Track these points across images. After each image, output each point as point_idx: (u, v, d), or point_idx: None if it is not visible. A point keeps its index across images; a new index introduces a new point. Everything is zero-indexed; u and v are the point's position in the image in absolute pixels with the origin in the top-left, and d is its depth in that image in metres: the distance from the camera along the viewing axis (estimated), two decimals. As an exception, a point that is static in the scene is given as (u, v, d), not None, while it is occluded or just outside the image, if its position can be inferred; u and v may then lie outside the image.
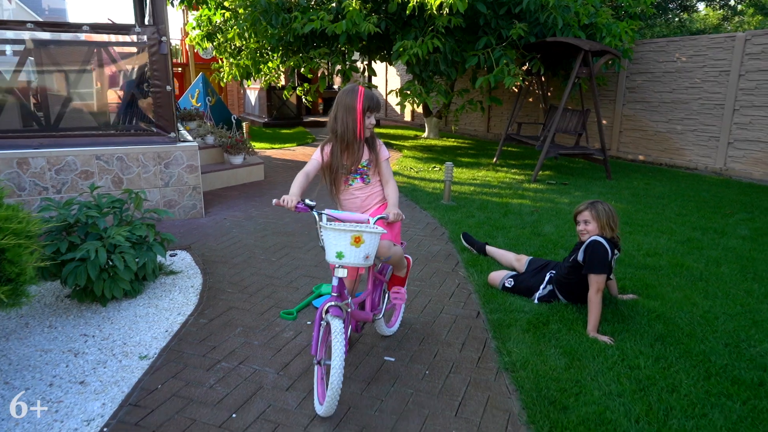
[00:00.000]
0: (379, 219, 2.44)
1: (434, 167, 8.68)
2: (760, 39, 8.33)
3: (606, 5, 8.77)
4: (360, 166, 2.66)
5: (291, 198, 2.37)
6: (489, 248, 4.33)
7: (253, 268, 4.09)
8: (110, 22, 10.03)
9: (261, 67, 9.86)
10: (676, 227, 5.30)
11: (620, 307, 3.36)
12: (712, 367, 2.67)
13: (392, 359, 2.80)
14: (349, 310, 2.35)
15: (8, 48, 4.81)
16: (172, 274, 3.96)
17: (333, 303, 2.26)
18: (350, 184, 2.71)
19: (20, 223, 2.25)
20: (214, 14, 10.43)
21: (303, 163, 9.19)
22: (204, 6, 10.33)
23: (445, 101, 9.18)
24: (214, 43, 10.53)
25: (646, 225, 5.37)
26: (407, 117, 17.68)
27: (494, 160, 9.48)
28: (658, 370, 2.64)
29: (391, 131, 14.64)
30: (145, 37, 4.98)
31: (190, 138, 5.80)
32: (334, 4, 8.11)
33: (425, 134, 13.07)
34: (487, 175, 8.07)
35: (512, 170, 8.61)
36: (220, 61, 12.59)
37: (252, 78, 10.91)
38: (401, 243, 2.83)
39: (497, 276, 3.72)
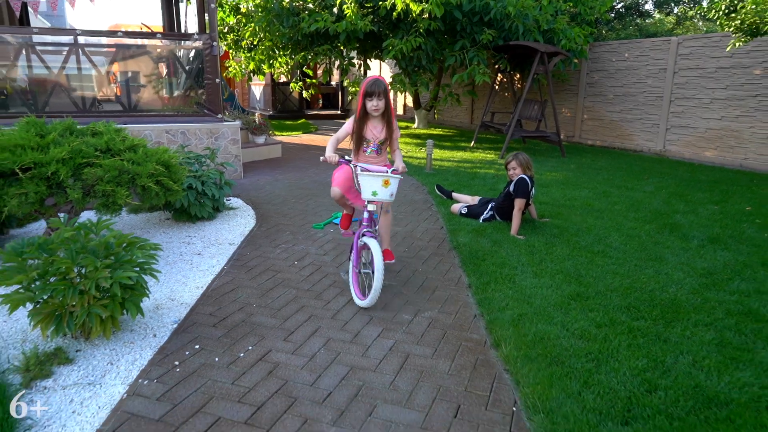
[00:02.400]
0: (393, 170, 3.31)
1: (421, 149, 10.42)
2: (689, 42, 10.11)
3: (563, 13, 10.47)
4: (378, 142, 3.55)
5: (332, 156, 3.30)
6: (455, 194, 6.06)
7: (287, 206, 5.81)
8: (147, 28, 11.75)
9: (273, 62, 11.56)
10: (599, 186, 7.06)
11: (536, 225, 5.10)
12: (577, 245, 4.42)
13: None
14: (379, 233, 3.40)
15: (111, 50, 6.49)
16: (231, 209, 5.66)
17: (367, 229, 3.29)
18: (366, 152, 3.59)
19: (171, 156, 3.95)
20: (228, 16, 12.13)
21: (311, 146, 10.95)
22: (219, 8, 12.01)
23: (427, 92, 10.92)
24: (227, 41, 12.21)
25: (577, 185, 7.13)
26: (399, 110, 19.38)
27: (471, 143, 11.24)
28: (544, 246, 4.40)
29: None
30: (200, 43, 6.67)
31: (230, 119, 7.50)
32: (336, 9, 9.81)
33: (415, 124, 14.79)
34: (464, 155, 9.81)
35: (486, 151, 10.36)
36: (230, 58, 14.28)
37: (262, 72, 12.64)
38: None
39: (456, 207, 5.48)
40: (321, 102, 20.60)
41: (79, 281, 2.58)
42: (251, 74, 13.28)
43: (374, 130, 3.54)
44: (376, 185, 3.20)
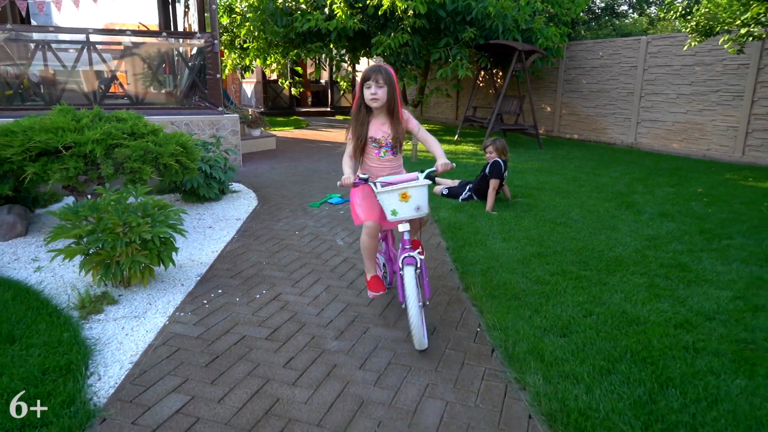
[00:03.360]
0: (429, 173, 2.70)
1: (407, 141, 11.04)
2: (657, 42, 10.82)
3: (541, 14, 11.14)
4: (390, 141, 2.87)
5: (348, 177, 2.66)
6: (437, 179, 6.68)
7: (285, 189, 6.39)
8: (145, 27, 12.23)
9: (268, 59, 12.12)
10: (569, 173, 7.72)
11: (509, 203, 5.73)
12: (543, 218, 5.05)
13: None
14: (421, 257, 2.67)
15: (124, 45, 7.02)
16: (235, 192, 6.23)
17: (407, 254, 2.61)
18: (381, 156, 2.90)
19: (187, 139, 4.52)
20: (221, 16, 12.66)
21: (303, 140, 11.52)
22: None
23: (415, 85, 11.55)
24: (221, 41, 12.75)
25: (550, 172, 7.78)
26: (387, 107, 19.98)
27: (455, 137, 11.89)
28: (514, 219, 5.03)
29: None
30: (203, 41, 7.22)
31: (230, 112, 8.05)
32: (327, 9, 10.40)
33: (402, 120, 15.42)
34: (448, 147, 10.44)
35: (469, 144, 11.00)
36: (225, 57, 14.80)
37: (250, 69, 13.21)
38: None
39: (438, 188, 6.10)
40: (311, 99, 21.16)
41: (124, 234, 3.15)
42: (243, 70, 13.82)
43: (382, 127, 2.86)
44: (393, 201, 2.57)
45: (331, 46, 11.32)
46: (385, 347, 2.72)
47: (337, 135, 12.49)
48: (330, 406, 2.22)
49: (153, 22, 19.60)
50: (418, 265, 2.65)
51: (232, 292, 3.38)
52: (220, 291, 3.38)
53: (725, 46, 7.66)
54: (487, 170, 5.60)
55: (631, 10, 16.17)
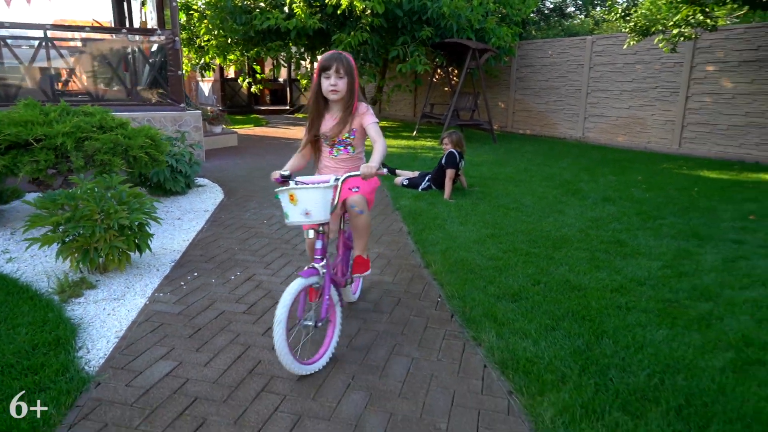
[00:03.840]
0: (349, 177, 2.40)
1: (366, 137, 11.31)
2: (601, 41, 11.46)
3: (493, 14, 11.62)
4: (343, 137, 2.62)
5: (274, 173, 2.42)
6: (398, 170, 6.97)
7: (250, 183, 6.54)
8: (98, 24, 12.05)
9: (228, 57, 12.14)
10: (522, 164, 8.17)
11: (466, 192, 6.08)
12: (497, 204, 5.42)
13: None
14: (325, 270, 2.37)
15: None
16: (200, 186, 6.34)
17: (309, 266, 2.36)
18: (335, 155, 2.69)
19: (156, 132, 4.64)
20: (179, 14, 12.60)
21: (264, 137, 11.62)
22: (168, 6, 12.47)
23: (374, 82, 11.84)
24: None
25: (504, 164, 8.20)
26: (346, 105, 20.18)
27: (414, 133, 12.24)
28: (470, 206, 5.37)
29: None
30: (164, 38, 7.27)
31: (192, 108, 8.11)
32: (286, 9, 10.54)
33: (362, 117, 15.67)
34: (407, 143, 10.77)
35: (427, 139, 11.36)
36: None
37: (211, 68, 13.18)
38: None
39: (398, 180, 6.40)
40: (269, 98, 21.13)
41: (102, 221, 3.28)
42: (202, 70, 13.77)
43: (335, 122, 2.61)
44: (286, 204, 2.32)
45: (291, 44, 11.46)
46: (354, 317, 2.98)
47: (298, 132, 12.62)
48: (308, 365, 2.46)
49: (107, 18, 19.15)
50: (318, 283, 2.36)
51: (208, 274, 3.56)
52: (195, 274, 3.56)
53: (660, 46, 8.27)
54: (443, 161, 5.93)
55: (577, 11, 17.02)
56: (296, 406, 2.16)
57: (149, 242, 3.57)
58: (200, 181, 6.61)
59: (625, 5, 8.51)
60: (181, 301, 3.13)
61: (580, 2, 16.41)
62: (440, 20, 10.38)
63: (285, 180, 2.42)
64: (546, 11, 15.99)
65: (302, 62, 11.82)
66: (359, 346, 2.65)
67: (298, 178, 2.50)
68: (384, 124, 14.83)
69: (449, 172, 5.78)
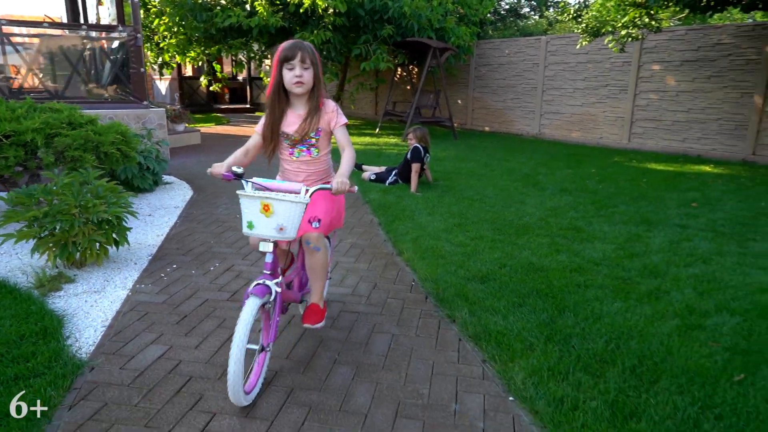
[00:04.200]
0: (319, 189, 2.13)
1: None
2: (555, 41, 11.94)
3: (452, 14, 11.93)
4: (307, 137, 2.33)
5: (218, 165, 2.14)
6: (364, 166, 7.14)
7: (218, 180, 6.56)
8: (50, 20, 11.71)
9: (188, 55, 12.00)
10: (483, 159, 8.47)
11: (431, 186, 6.31)
12: (462, 196, 5.66)
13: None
14: (278, 290, 2.14)
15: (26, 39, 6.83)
16: (167, 184, 6.33)
17: (259, 282, 2.09)
18: (295, 156, 2.38)
19: (126, 128, 4.65)
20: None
21: (227, 136, 11.56)
22: (127, 3, 12.22)
23: (336, 80, 11.97)
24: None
25: (466, 159, 8.49)
26: (307, 104, 20.17)
27: (377, 130, 12.43)
28: (436, 198, 5.60)
29: (295, 114, 17.18)
30: (125, 34, 7.19)
31: (155, 106, 8.04)
32: (248, 6, 10.54)
33: (324, 116, 15.75)
34: (371, 140, 10.95)
35: (390, 136, 11.57)
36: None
37: (171, 66, 12.99)
38: (334, 234, 2.55)
39: (366, 174, 6.57)
40: (228, 96, 20.89)
41: (80, 215, 3.32)
42: (161, 67, 13.55)
43: (296, 120, 2.33)
44: (252, 211, 2.03)
45: (253, 42, 11.45)
46: (337, 300, 3.13)
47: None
48: (295, 344, 2.61)
49: (58, 15, 18.49)
50: (271, 299, 2.12)
51: (187, 266, 3.63)
52: (174, 266, 3.63)
53: (609, 46, 8.73)
54: (408, 155, 6.13)
55: (532, 12, 17.62)
56: (288, 380, 2.30)
57: (127, 236, 3.61)
58: (167, 178, 6.59)
59: (576, 7, 8.93)
60: (164, 291, 3.21)
61: (535, 3, 17.01)
62: (401, 19, 10.59)
63: (236, 178, 2.10)
64: (502, 12, 16.53)
65: (265, 60, 11.80)
66: (342, 327, 2.81)
67: (257, 180, 2.15)
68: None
69: (415, 166, 5.99)
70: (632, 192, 6.15)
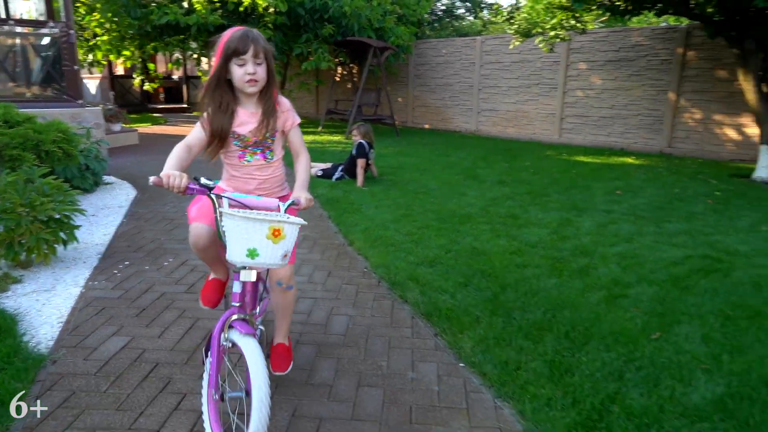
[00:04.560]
0: (290, 206, 1.88)
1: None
2: (489, 41, 12.45)
3: (391, 14, 12.18)
4: (262, 139, 2.03)
5: (176, 176, 1.70)
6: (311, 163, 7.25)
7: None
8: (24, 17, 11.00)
9: (122, 53, 11.60)
10: (424, 155, 8.77)
11: (377, 180, 6.50)
12: (406, 190, 5.90)
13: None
14: (259, 326, 1.92)
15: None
16: (108, 184, 6.19)
17: (238, 315, 1.78)
18: (247, 161, 2.07)
19: (67, 126, 4.55)
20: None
21: (166, 135, 11.29)
22: (54, -1, 11.67)
23: (279, 79, 11.95)
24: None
25: (408, 155, 8.76)
26: (247, 103, 19.89)
27: (319, 128, 12.52)
28: (382, 192, 5.80)
29: (234, 114, 16.94)
30: (57, 30, 6.93)
31: (90, 105, 7.78)
32: (185, 3, 10.34)
33: (265, 115, 15.63)
34: (314, 138, 11.03)
35: (333, 134, 11.69)
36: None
37: (102, 65, 12.52)
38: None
39: (312, 171, 6.68)
40: (163, 96, 20.26)
41: (26, 214, 3.27)
42: (90, 66, 13.02)
43: (250, 119, 2.02)
44: (257, 237, 1.64)
45: (191, 40, 11.24)
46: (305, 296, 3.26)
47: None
48: (256, 329, 2.72)
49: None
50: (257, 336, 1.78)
51: (140, 262, 3.64)
52: (127, 263, 3.63)
53: (540, 46, 9.25)
54: (354, 152, 6.31)
55: (467, 13, 18.26)
56: (253, 361, 2.42)
57: (75, 234, 3.58)
58: (107, 179, 6.43)
59: (509, 9, 9.40)
60: (119, 286, 3.22)
61: (469, 5, 17.64)
62: (342, 19, 10.73)
63: (204, 191, 1.74)
64: (439, 12, 17.03)
65: (204, 58, 11.60)
66: (302, 311, 2.94)
67: (234, 196, 1.86)
68: (288, 120, 14.93)
69: (360, 162, 6.17)
70: (563, 182, 6.60)
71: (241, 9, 9.85)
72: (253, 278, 1.81)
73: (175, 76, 20.14)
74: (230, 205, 1.82)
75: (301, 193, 1.95)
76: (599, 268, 3.58)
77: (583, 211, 5.16)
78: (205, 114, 2.00)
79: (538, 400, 2.11)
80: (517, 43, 9.27)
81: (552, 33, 8.65)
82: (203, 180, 1.76)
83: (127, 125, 10.28)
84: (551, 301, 3.01)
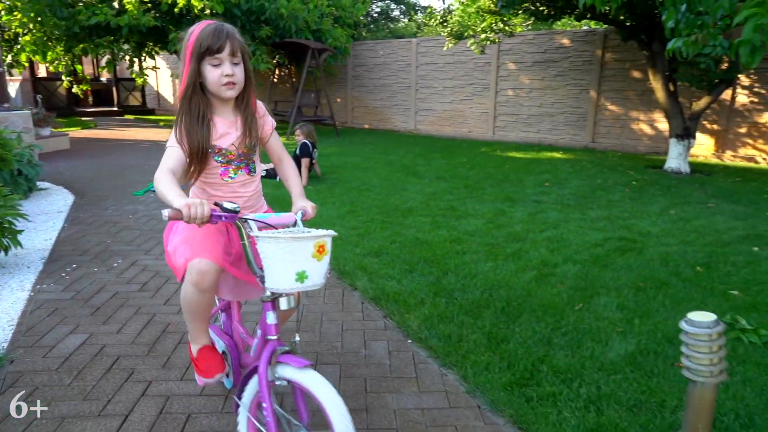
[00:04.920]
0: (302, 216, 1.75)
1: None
2: (424, 43, 12.84)
3: (328, 16, 12.33)
4: (244, 151, 1.81)
5: (197, 204, 1.41)
6: (254, 164, 7.31)
7: (98, 183, 6.36)
8: None
9: (48, 55, 11.09)
10: (365, 154, 9.00)
11: (321, 179, 6.66)
12: (350, 187, 6.10)
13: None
14: (298, 351, 1.62)
15: None
16: (42, 190, 6.00)
17: (281, 348, 1.57)
18: (230, 177, 1.82)
19: (1, 130, 4.43)
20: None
21: (98, 139, 10.93)
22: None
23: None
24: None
25: (350, 154, 8.96)
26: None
27: (260, 130, 12.50)
28: (327, 189, 5.97)
29: (168, 118, 16.51)
30: (-22, 31, 6.63)
31: (18, 109, 7.47)
32: (116, 4, 10.05)
33: (201, 117, 15.35)
34: (254, 139, 11.03)
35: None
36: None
37: (22, 66, 11.93)
38: None
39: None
40: (92, 99, 19.41)
41: (-33, 219, 3.21)
42: (10, 67, 12.35)
43: (230, 129, 1.79)
44: (303, 257, 1.48)
45: (123, 42, 10.92)
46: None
47: (136, 133, 12.06)
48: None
49: None
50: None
51: (88, 264, 3.64)
52: (74, 266, 3.62)
53: (472, 48, 9.70)
54: (297, 151, 6.44)
55: (402, 16, 18.66)
56: (213, 349, 2.54)
57: (18, 238, 3.53)
58: (42, 184, 6.23)
59: (442, 12, 9.80)
60: (69, 288, 3.23)
61: (404, 7, 18.06)
62: (279, 21, 10.78)
63: (230, 217, 1.52)
64: (374, 15, 17.32)
65: (136, 59, 11.28)
66: (256, 302, 3.08)
67: (257, 216, 1.64)
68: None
69: (304, 161, 6.31)
70: (497, 176, 7.01)
71: (176, 10, 9.71)
72: (294, 305, 1.59)
73: (103, 78, 19.36)
74: (260, 227, 1.59)
75: (305, 202, 1.82)
76: (530, 251, 3.92)
77: (516, 202, 5.55)
78: (178, 130, 1.70)
79: (478, 366, 2.37)
80: (451, 45, 9.68)
81: (483, 36, 9.10)
82: (226, 204, 1.52)
83: (57, 129, 9.88)
84: (488, 282, 3.30)
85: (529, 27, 11.10)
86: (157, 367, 2.37)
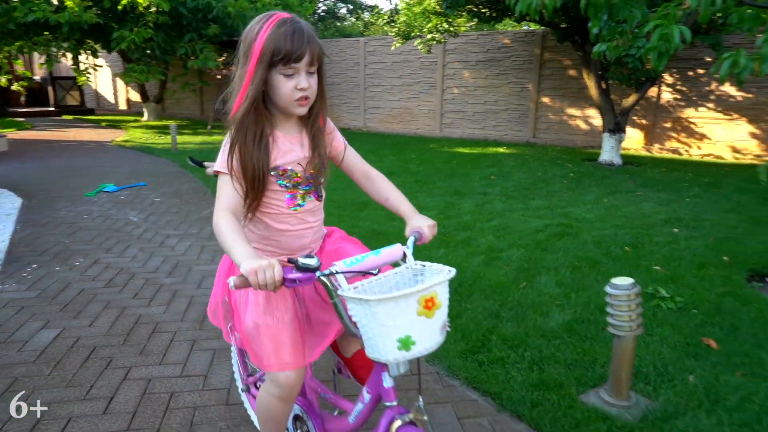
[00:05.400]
0: (413, 243, 1.49)
1: (159, 136, 11.11)
2: (372, 42, 13.08)
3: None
4: (312, 173, 1.53)
5: (264, 267, 1.12)
6: (206, 162, 7.31)
7: (45, 185, 6.24)
8: None
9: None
10: (319, 151, 9.15)
11: (276, 176, 6.79)
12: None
13: (135, 216, 5.60)
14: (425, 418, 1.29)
15: None
16: (-14, 193, 5.85)
17: (402, 419, 1.27)
18: (299, 205, 1.52)
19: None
20: None
21: (38, 141, 10.55)
22: None
23: (162, 78, 11.67)
24: None
25: (303, 152, 9.09)
26: (122, 105, 18.86)
27: (208, 128, 12.39)
28: (284, 186, 6.11)
29: (109, 118, 16.03)
30: None
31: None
32: (55, 0, 9.73)
33: (145, 117, 14.99)
34: (204, 138, 10.93)
35: (223, 134, 11.61)
36: None
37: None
38: None
39: (210, 171, 6.74)
40: (24, 99, 18.51)
41: None
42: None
43: (294, 146, 1.50)
44: (404, 320, 1.16)
45: (62, 39, 10.58)
46: (210, 275, 3.52)
47: (78, 134, 11.69)
48: (184, 313, 2.97)
49: None
50: None
51: (48, 264, 3.66)
52: (34, 266, 3.63)
53: (419, 47, 10.02)
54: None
55: (349, 14, 18.85)
56: (188, 336, 2.69)
57: (-25, 241, 3.52)
58: (-16, 187, 6.06)
59: (389, 12, 10.07)
60: (33, 287, 3.27)
61: (351, 6, 18.25)
62: (226, 19, 10.74)
63: (309, 276, 1.21)
64: (321, 13, 17.43)
65: (80, 57, 10.92)
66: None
67: (347, 266, 1.31)
68: (171, 122, 14.46)
69: (260, 159, 6.41)
70: (446, 171, 7.35)
71: (120, 7, 9.51)
72: (406, 370, 1.27)
73: (37, 77, 18.49)
74: (348, 279, 1.27)
75: (419, 221, 1.53)
76: (478, 238, 4.23)
77: (464, 194, 5.88)
78: (232, 153, 1.39)
79: (436, 339, 2.63)
80: (398, 44, 9.97)
81: (429, 35, 9.43)
82: (302, 260, 1.19)
83: (-8, 131, 9.48)
84: (441, 267, 3.58)
85: (473, 27, 11.54)
86: (135, 354, 2.49)
